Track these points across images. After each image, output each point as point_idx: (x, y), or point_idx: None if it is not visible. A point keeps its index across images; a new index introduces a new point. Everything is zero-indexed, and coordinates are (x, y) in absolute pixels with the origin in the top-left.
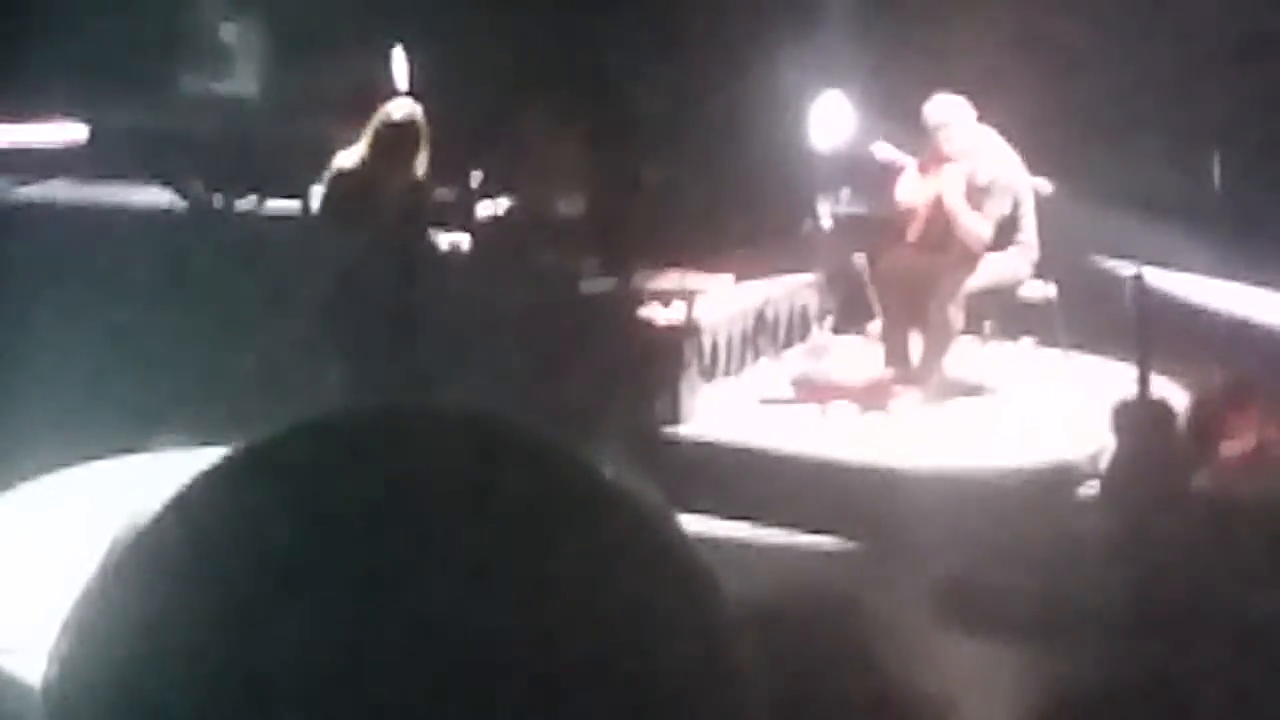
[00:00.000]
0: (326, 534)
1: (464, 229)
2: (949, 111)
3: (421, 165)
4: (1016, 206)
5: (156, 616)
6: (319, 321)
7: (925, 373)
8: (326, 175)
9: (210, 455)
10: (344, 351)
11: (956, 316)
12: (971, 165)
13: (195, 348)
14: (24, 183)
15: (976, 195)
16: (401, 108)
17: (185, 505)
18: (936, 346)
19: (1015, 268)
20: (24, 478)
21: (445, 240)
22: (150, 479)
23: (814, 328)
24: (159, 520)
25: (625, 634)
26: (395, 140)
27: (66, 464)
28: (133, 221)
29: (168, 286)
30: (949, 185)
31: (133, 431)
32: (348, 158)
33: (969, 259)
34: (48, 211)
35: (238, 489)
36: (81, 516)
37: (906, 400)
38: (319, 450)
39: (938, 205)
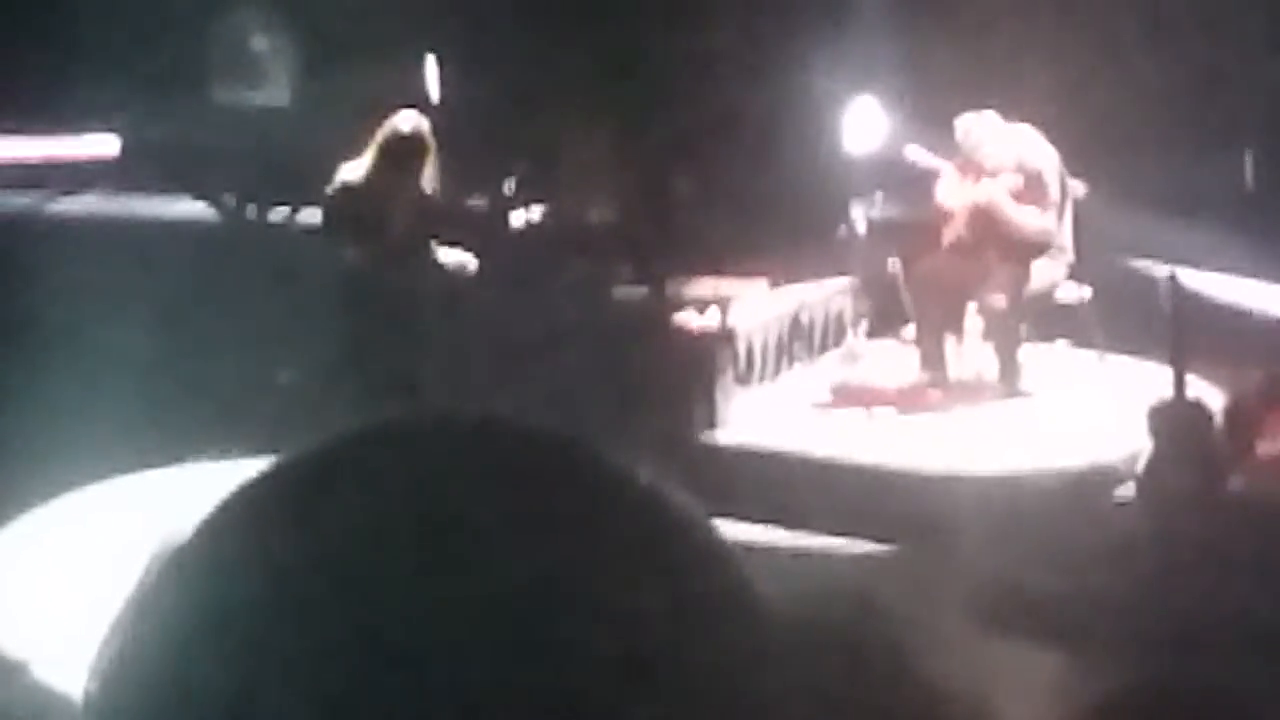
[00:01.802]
0: (367, 546)
1: (493, 237)
2: (975, 129)
3: (428, 178)
4: (1064, 191)
5: (197, 632)
6: (334, 335)
7: (1006, 378)
8: (330, 188)
9: (246, 468)
10: (356, 366)
11: (1013, 320)
12: (1014, 166)
13: (230, 360)
14: (57, 196)
15: (1029, 190)
16: (408, 120)
17: (225, 520)
18: (1008, 353)
19: (1050, 271)
20: (62, 491)
21: (452, 259)
22: (187, 492)
23: (849, 333)
24: (199, 535)
25: (665, 640)
26: (401, 153)
27: (103, 477)
28: (165, 234)
29: (201, 299)
30: (996, 195)
31: (168, 444)
32: (353, 170)
33: (1008, 262)
34: (81, 225)
35: (277, 503)
36: (119, 529)
37: (942, 404)
38: (358, 464)
39: (975, 211)
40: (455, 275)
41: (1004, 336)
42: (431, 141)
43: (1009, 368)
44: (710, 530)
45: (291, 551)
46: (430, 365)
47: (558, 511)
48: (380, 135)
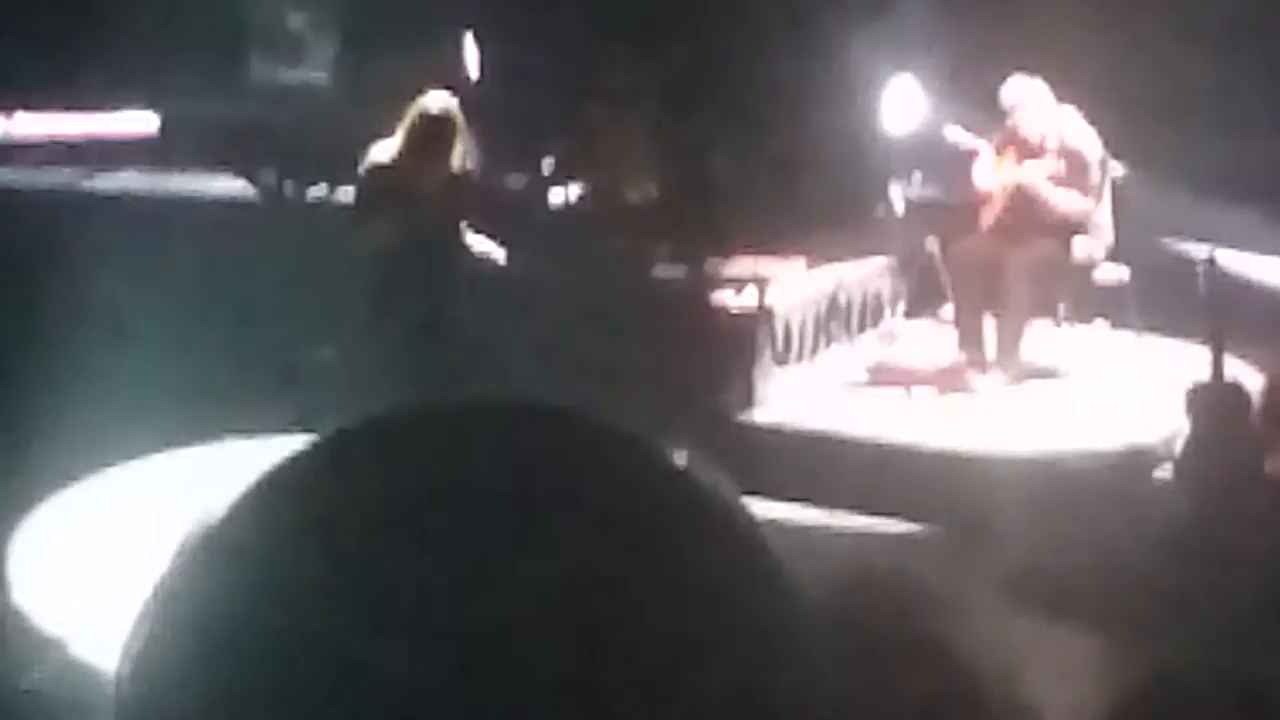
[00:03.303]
0: (401, 527)
1: (531, 215)
2: (1023, 92)
3: (457, 159)
4: (1104, 173)
5: (230, 609)
6: (369, 315)
7: (1004, 357)
8: (361, 169)
9: (282, 446)
10: (389, 346)
11: (1031, 300)
12: (1055, 147)
13: (267, 338)
14: (96, 173)
15: (1069, 173)
16: (436, 100)
17: (259, 498)
18: (1013, 330)
19: (1089, 250)
20: (95, 468)
21: (481, 247)
22: (221, 470)
23: (887, 312)
24: (232, 513)
25: (694, 621)
26: (431, 134)
27: (136, 455)
28: (204, 211)
29: (239, 276)
30: (1035, 178)
31: (203, 422)
32: (383, 151)
33: (1044, 242)
34: (119, 202)
35: (311, 482)
36: (153, 507)
37: (980, 385)
38: (393, 443)
39: (1015, 191)
40: (482, 262)
41: (1018, 309)
42: (461, 121)
43: (1009, 346)
44: (740, 509)
45: (322, 532)
46: (463, 346)
47: (590, 493)
48: (409, 116)
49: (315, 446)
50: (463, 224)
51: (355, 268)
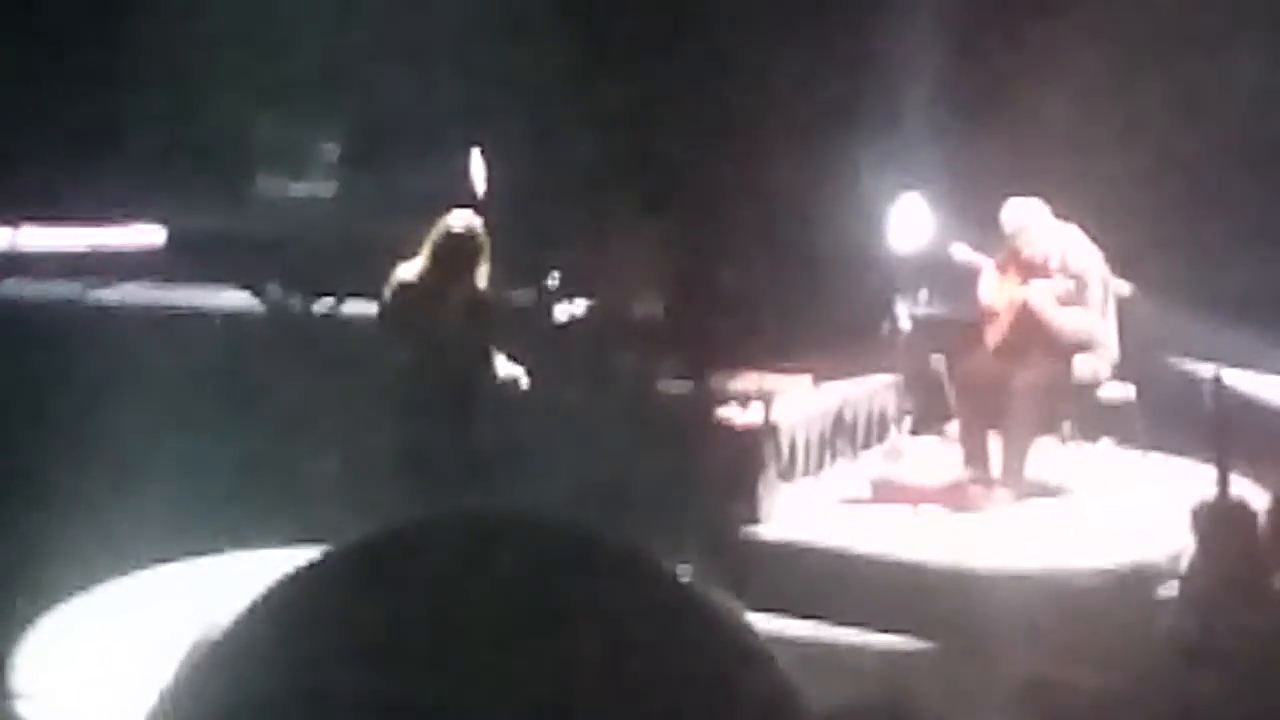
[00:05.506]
0: (407, 639)
1: (537, 331)
2: (1024, 215)
3: (482, 277)
4: (1107, 291)
5: (236, 718)
6: (378, 429)
7: (1009, 475)
8: (387, 288)
9: (286, 559)
10: (408, 463)
11: (1036, 418)
12: (1058, 266)
13: (272, 451)
14: (102, 285)
15: (1073, 292)
16: (460, 219)
17: (262, 613)
18: (1018, 448)
19: (1094, 369)
20: (100, 579)
21: (505, 370)
22: (226, 582)
23: (892, 429)
24: (236, 627)
25: None
26: (454, 252)
27: (144, 565)
28: (210, 324)
29: (245, 389)
30: (1038, 294)
31: (208, 534)
32: (408, 270)
33: (1049, 362)
34: (126, 314)
35: (317, 596)
36: (157, 619)
37: (985, 502)
38: (400, 558)
39: (1021, 311)
40: (506, 385)
41: (1023, 427)
42: (485, 240)
43: (1014, 464)
44: (747, 629)
45: (326, 646)
46: (476, 461)
47: (593, 610)
48: (433, 235)
49: (321, 561)
50: (489, 345)
51: (371, 383)
